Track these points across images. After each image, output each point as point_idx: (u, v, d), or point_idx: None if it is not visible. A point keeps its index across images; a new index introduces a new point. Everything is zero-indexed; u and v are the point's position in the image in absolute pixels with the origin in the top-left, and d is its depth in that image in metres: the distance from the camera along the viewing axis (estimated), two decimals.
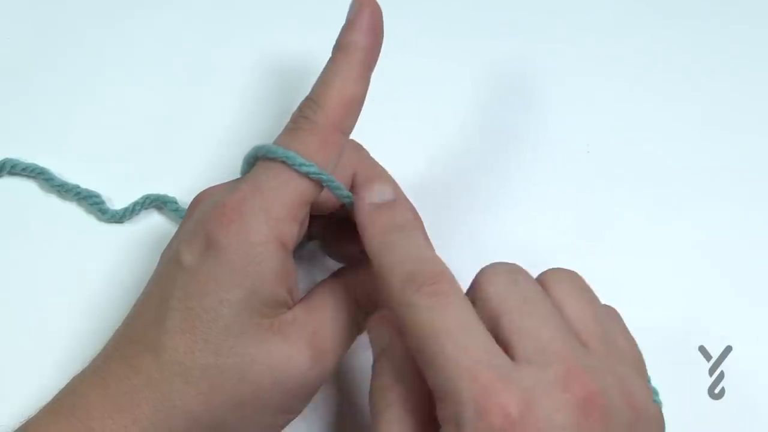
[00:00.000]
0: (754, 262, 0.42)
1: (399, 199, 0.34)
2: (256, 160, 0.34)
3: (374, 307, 0.35)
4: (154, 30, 0.49)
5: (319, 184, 0.32)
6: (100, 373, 0.31)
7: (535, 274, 0.41)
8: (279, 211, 0.31)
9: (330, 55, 0.34)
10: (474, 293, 0.29)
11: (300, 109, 0.34)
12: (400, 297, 0.28)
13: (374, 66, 0.34)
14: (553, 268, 0.31)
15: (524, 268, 0.41)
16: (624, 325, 0.32)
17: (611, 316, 0.32)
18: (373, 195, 0.33)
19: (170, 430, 0.30)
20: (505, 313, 0.28)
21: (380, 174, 0.37)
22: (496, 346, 0.27)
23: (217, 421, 0.31)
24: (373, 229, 0.31)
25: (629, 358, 0.30)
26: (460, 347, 0.26)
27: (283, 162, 0.32)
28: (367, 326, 0.32)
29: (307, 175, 0.32)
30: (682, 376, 0.39)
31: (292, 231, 0.32)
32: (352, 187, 0.35)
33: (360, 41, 0.33)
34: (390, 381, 0.29)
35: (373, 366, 0.30)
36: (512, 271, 0.30)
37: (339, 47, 0.34)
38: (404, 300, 0.28)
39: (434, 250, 0.31)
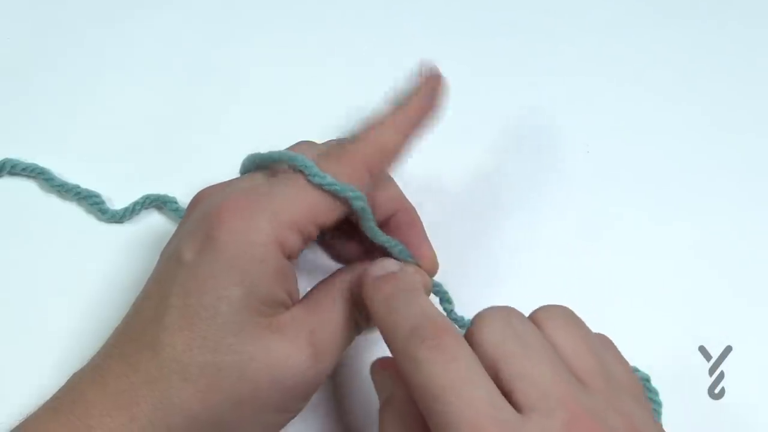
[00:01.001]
0: (753, 263, 0.42)
1: (404, 268, 0.34)
2: (270, 162, 0.34)
3: None
4: (154, 30, 0.49)
5: (333, 200, 0.32)
6: (99, 371, 0.31)
7: (534, 273, 0.41)
8: (284, 217, 0.32)
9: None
10: (470, 339, 0.29)
11: (338, 138, 0.34)
12: (405, 351, 0.28)
13: (419, 133, 0.35)
14: (544, 306, 0.31)
15: (524, 267, 0.42)
16: (617, 351, 0.33)
17: (605, 345, 0.32)
18: (376, 269, 0.33)
19: (168, 427, 0.30)
20: (503, 357, 0.28)
21: (422, 237, 0.37)
22: (502, 399, 0.27)
23: (216, 419, 0.31)
24: (378, 295, 0.31)
25: (627, 386, 0.31)
26: (464, 401, 0.26)
27: (301, 171, 0.32)
28: (370, 371, 0.33)
29: (320, 187, 0.32)
30: (682, 376, 0.39)
31: (295, 241, 0.32)
32: (383, 226, 0.36)
33: (419, 105, 0.34)
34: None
35: (379, 415, 0.31)
36: (506, 314, 0.30)
37: (396, 104, 0.35)
38: (408, 354, 0.28)
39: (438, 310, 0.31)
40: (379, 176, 0.34)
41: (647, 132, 0.46)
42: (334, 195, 0.32)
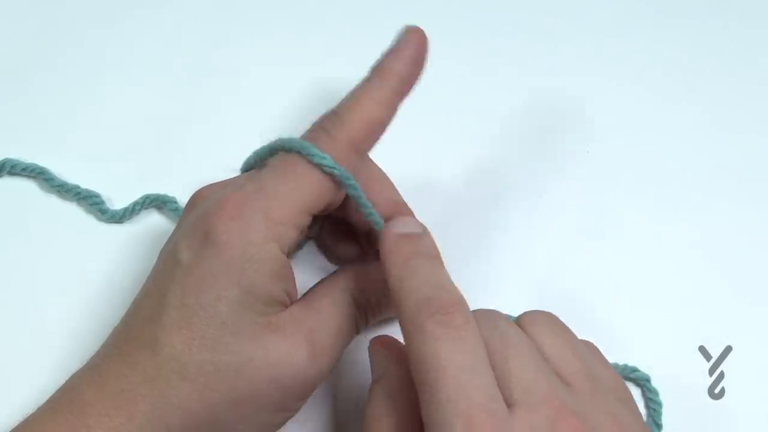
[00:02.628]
0: (754, 262, 0.42)
1: (426, 233, 0.33)
2: (270, 155, 0.34)
3: (371, 309, 0.35)
4: (154, 30, 0.49)
5: (331, 183, 0.32)
6: (97, 370, 0.31)
7: (534, 273, 0.41)
8: (280, 213, 0.32)
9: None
10: None
11: (320, 120, 0.34)
12: (413, 319, 0.28)
13: (406, 97, 0.34)
14: (529, 311, 0.32)
15: (524, 267, 0.42)
16: (603, 357, 0.33)
17: (590, 349, 0.33)
18: (399, 225, 0.32)
19: (167, 426, 0.30)
20: (489, 354, 0.28)
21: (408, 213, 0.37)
22: (496, 390, 0.27)
23: (214, 418, 0.31)
24: (397, 255, 0.31)
25: (612, 388, 0.31)
26: (461, 387, 0.26)
27: (299, 153, 0.32)
28: (369, 346, 0.33)
29: (319, 167, 0.32)
30: (682, 376, 0.39)
31: (291, 236, 0.32)
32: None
33: (399, 69, 0.33)
34: (383, 411, 0.30)
35: (369, 392, 0.31)
36: (491, 317, 0.30)
37: (376, 70, 0.34)
38: (417, 323, 0.28)
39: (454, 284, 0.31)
40: (366, 153, 0.34)
41: (647, 132, 0.46)
42: (330, 176, 0.32)
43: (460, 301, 0.29)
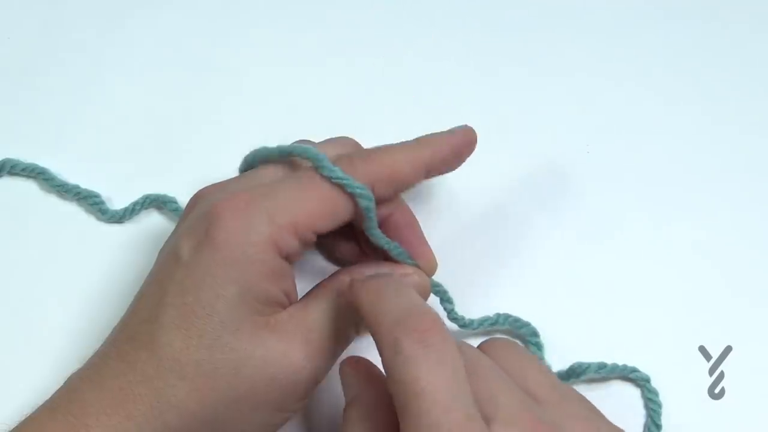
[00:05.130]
0: (753, 263, 0.42)
1: (395, 272, 0.35)
2: (277, 156, 0.34)
3: None
4: (154, 30, 0.49)
5: (340, 198, 0.32)
6: (96, 369, 0.31)
7: (534, 273, 0.41)
8: (285, 219, 0.32)
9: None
10: None
11: (348, 154, 0.34)
12: (390, 341, 0.27)
13: (432, 175, 0.35)
14: (490, 338, 0.32)
15: (524, 268, 0.42)
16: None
17: (550, 371, 0.34)
18: (367, 270, 0.34)
19: (165, 425, 0.30)
20: None
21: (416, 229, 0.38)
22: (476, 411, 0.27)
23: (213, 417, 0.31)
24: (367, 289, 0.30)
25: (579, 398, 0.32)
26: (444, 411, 0.26)
27: (310, 162, 0.32)
28: (340, 369, 0.32)
29: (329, 180, 0.32)
30: (682, 376, 0.39)
31: (291, 243, 0.32)
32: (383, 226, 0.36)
33: (440, 147, 0.35)
34: None
35: (344, 414, 0.30)
36: (457, 344, 0.30)
37: (419, 139, 0.35)
38: (394, 344, 0.27)
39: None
40: (380, 195, 0.34)
41: (647, 132, 0.46)
42: (342, 190, 0.32)
43: (436, 319, 0.28)
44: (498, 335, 0.32)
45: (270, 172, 0.34)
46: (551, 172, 0.45)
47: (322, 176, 0.32)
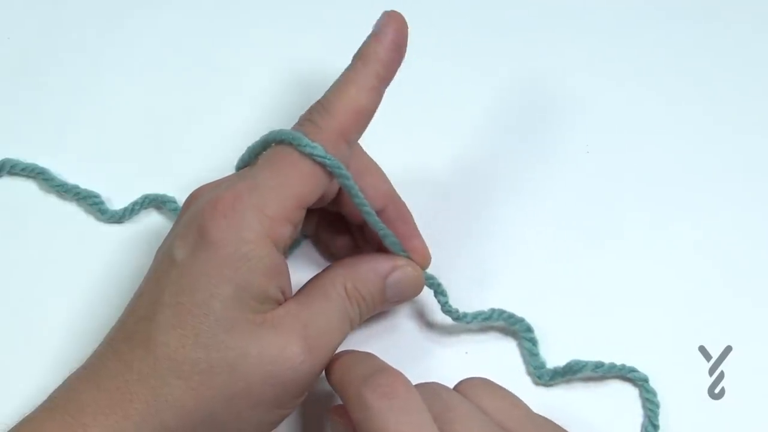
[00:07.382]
0: (754, 262, 0.42)
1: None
2: (262, 148, 0.34)
3: (364, 302, 0.35)
4: (154, 30, 0.49)
5: (323, 173, 0.32)
6: (93, 369, 0.32)
7: (534, 273, 0.41)
8: (274, 210, 0.32)
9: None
10: None
11: (308, 112, 0.34)
12: (357, 399, 0.29)
13: (390, 81, 0.34)
14: (465, 378, 0.33)
15: (524, 268, 0.42)
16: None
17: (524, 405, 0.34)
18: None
19: (162, 424, 0.30)
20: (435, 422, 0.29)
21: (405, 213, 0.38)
22: None
23: (210, 416, 0.31)
24: (336, 367, 0.32)
25: (555, 427, 0.32)
26: None
27: (290, 144, 0.32)
28: (327, 417, 0.34)
29: (310, 157, 0.32)
30: (682, 376, 0.39)
31: (285, 232, 0.32)
32: (382, 215, 0.36)
33: (381, 54, 0.33)
34: None
35: None
36: (432, 387, 0.31)
37: (360, 56, 0.34)
38: (361, 401, 0.29)
39: None
40: (355, 141, 0.34)
41: (647, 132, 0.46)
42: (321, 166, 0.32)
43: (399, 374, 0.30)
44: (474, 376, 0.33)
45: (255, 167, 0.34)
46: (551, 172, 0.45)
47: (301, 153, 0.32)
